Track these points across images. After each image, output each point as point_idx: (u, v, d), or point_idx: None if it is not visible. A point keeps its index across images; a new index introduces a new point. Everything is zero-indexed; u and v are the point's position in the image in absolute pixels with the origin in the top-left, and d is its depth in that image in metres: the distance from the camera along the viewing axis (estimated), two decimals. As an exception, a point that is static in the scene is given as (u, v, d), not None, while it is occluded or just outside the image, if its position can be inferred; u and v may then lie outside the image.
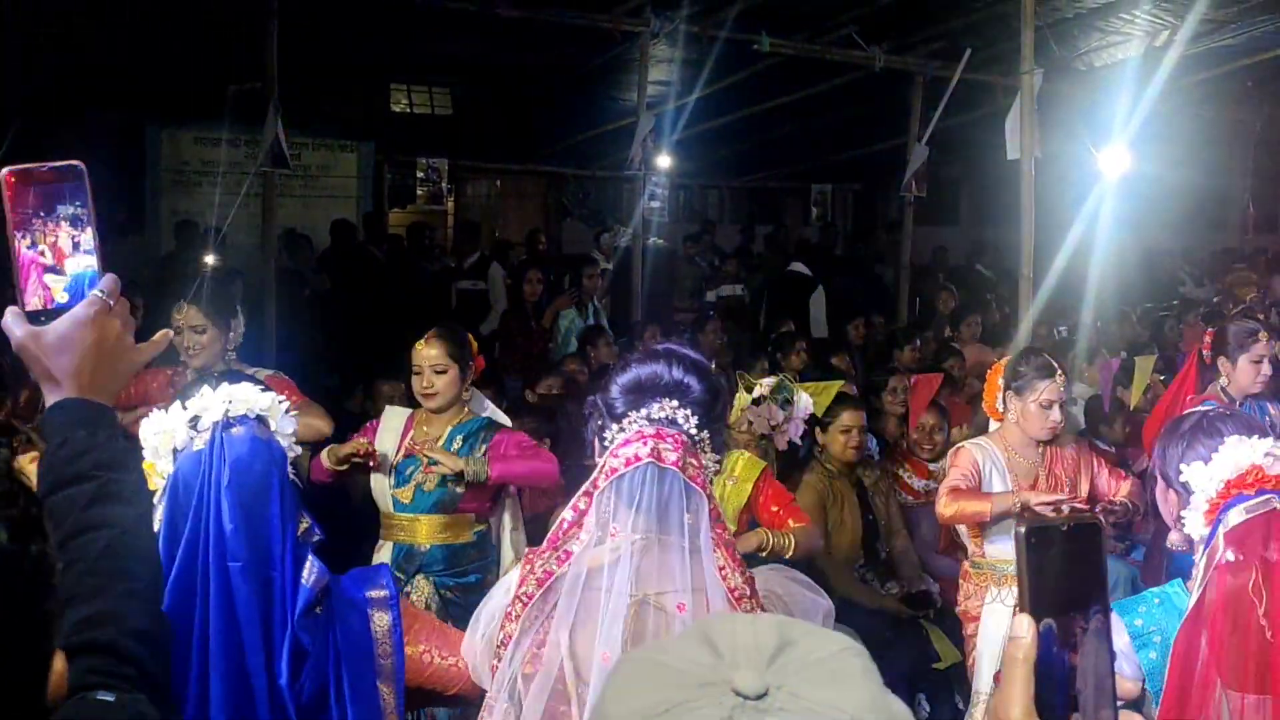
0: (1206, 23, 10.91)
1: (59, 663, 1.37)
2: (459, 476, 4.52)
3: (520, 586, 2.30)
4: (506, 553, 4.82)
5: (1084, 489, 4.81)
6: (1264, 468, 2.52)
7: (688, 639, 1.08)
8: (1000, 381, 4.83)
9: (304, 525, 2.46)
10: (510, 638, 2.28)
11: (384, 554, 4.65)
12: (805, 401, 5.28)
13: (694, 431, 2.31)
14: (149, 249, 11.69)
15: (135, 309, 7.60)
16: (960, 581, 4.97)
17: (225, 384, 2.52)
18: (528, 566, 2.33)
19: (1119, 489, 4.85)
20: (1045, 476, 4.75)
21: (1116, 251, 10.34)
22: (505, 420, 4.92)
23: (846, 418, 5.77)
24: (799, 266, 12.50)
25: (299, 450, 2.48)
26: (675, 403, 2.30)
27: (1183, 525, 2.60)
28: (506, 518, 4.86)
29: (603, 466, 2.27)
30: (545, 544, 2.32)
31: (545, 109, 13.74)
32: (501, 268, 10.52)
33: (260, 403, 2.48)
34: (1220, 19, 11.04)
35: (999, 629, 4.60)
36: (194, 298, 4.77)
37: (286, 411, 2.55)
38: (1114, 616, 2.31)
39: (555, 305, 10.04)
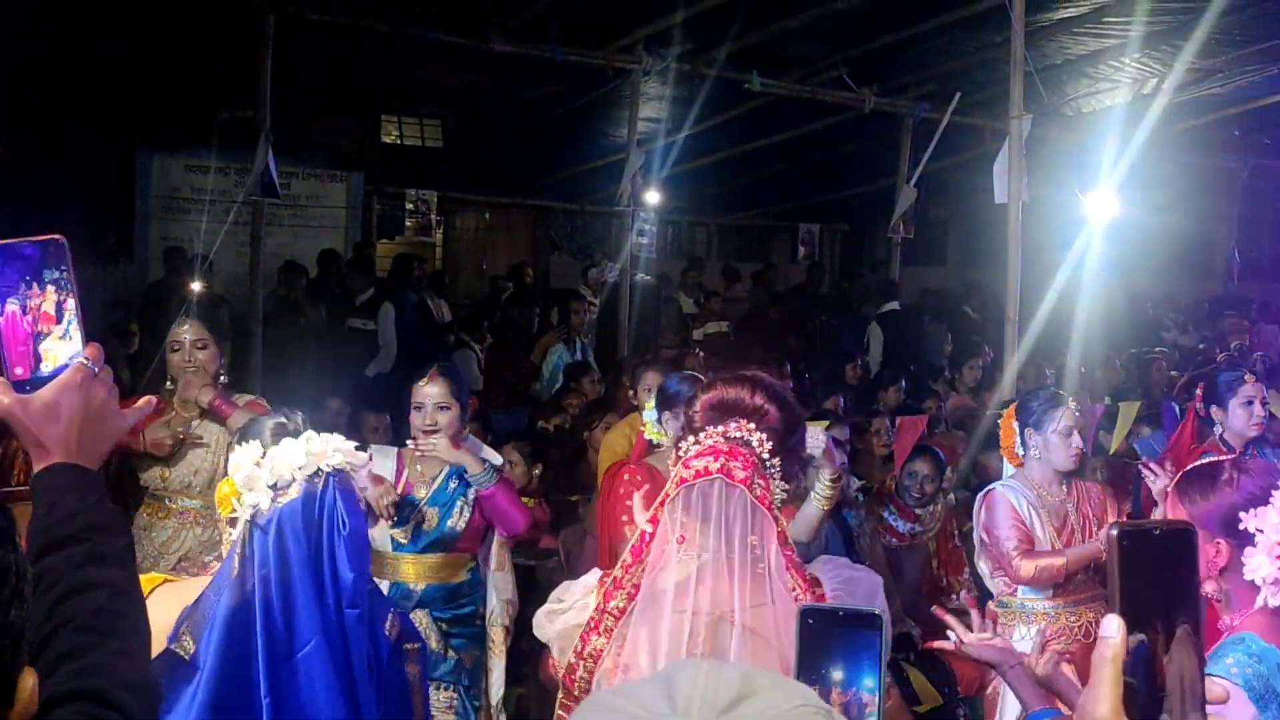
0: (1194, 71, 11.01)
1: (29, 679, 1.36)
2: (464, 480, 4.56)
3: (609, 600, 2.36)
4: (490, 593, 4.81)
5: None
6: None
7: (653, 683, 1.08)
8: (1014, 424, 4.86)
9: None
10: (600, 652, 2.35)
11: None
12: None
13: (765, 455, 2.37)
14: (138, 275, 11.66)
15: (130, 335, 7.58)
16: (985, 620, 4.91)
17: (314, 434, 2.56)
18: (612, 580, 2.39)
19: None
20: (1075, 514, 4.76)
21: (1102, 296, 10.37)
22: (498, 460, 4.92)
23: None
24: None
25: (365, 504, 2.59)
26: (752, 425, 2.38)
27: (1229, 572, 2.58)
28: (493, 552, 4.83)
29: (675, 476, 2.35)
30: (630, 556, 2.37)
31: (536, 143, 13.76)
32: (393, 307, 10.10)
33: (349, 457, 2.54)
34: (1207, 68, 11.15)
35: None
36: (199, 314, 4.76)
37: (363, 466, 2.63)
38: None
39: (543, 341, 10.03)
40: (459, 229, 15.08)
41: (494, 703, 4.78)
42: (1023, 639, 4.67)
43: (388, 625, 2.51)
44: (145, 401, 1.79)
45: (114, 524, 1.63)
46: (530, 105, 12.50)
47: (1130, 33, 10.11)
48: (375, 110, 14.02)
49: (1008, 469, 5.03)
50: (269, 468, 2.49)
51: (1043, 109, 10.70)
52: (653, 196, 11.55)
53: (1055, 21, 10.06)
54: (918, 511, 6.41)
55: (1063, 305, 8.76)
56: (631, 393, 6.72)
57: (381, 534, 4.60)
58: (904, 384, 8.93)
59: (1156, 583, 1.23)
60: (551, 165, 14.20)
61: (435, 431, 4.59)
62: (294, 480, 2.48)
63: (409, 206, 13.75)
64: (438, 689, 4.51)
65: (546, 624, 2.56)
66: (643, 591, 2.32)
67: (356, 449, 2.61)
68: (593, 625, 2.37)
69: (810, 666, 1.30)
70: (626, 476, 4.62)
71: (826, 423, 6.22)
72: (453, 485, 4.63)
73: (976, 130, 11.66)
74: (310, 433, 2.58)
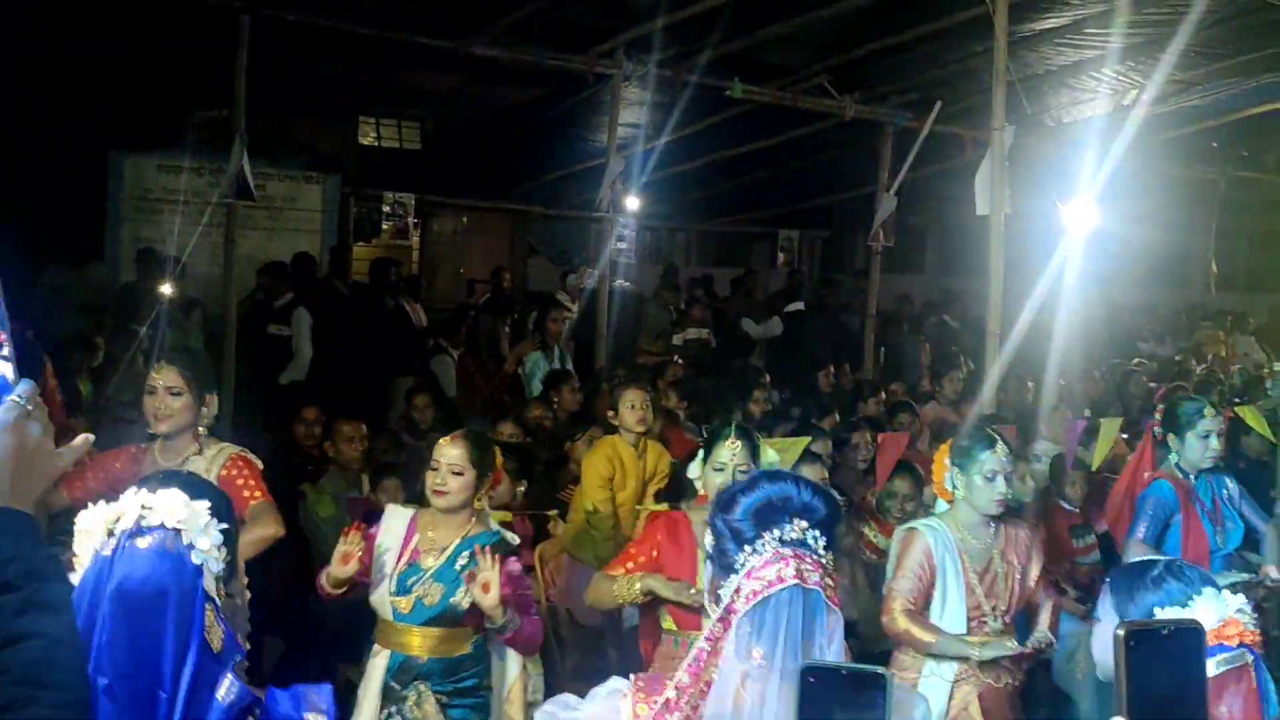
0: (1174, 83, 11.03)
1: None
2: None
3: None
4: (512, 661, 4.70)
5: (1034, 575, 4.73)
6: (1240, 622, 2.59)
7: None
8: (946, 461, 4.77)
9: (215, 639, 2.33)
10: None
11: (380, 661, 4.48)
12: (771, 459, 5.19)
13: (822, 553, 2.28)
14: (110, 277, 11.53)
15: (94, 347, 7.41)
16: (895, 653, 4.82)
17: (148, 489, 2.41)
18: (663, 702, 2.28)
19: (1040, 606, 4.79)
20: (999, 560, 4.66)
21: (1081, 307, 10.36)
22: (514, 539, 4.79)
23: (805, 473, 5.69)
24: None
25: (219, 567, 2.36)
26: (805, 524, 2.28)
27: None
28: None
29: (738, 590, 2.24)
30: (687, 676, 2.27)
31: (515, 147, 13.69)
32: (309, 314, 9.91)
33: (178, 515, 2.37)
34: (1187, 80, 11.17)
35: (935, 704, 4.52)
36: (175, 359, 4.58)
37: (208, 525, 2.43)
38: None
39: (518, 350, 9.96)
40: (437, 232, 14.97)
41: None
42: (931, 674, 4.62)
43: (221, 690, 2.33)
44: (82, 440, 1.72)
45: (51, 570, 1.56)
46: (510, 109, 12.44)
47: (1110, 44, 10.12)
48: (353, 112, 13.92)
49: (940, 505, 4.95)
50: (95, 525, 2.36)
51: (1024, 119, 10.69)
52: (632, 202, 11.51)
53: (1037, 32, 10.05)
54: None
55: (1042, 316, 8.74)
56: (611, 412, 6.65)
57: (381, 601, 4.47)
58: (883, 396, 8.90)
59: (1166, 679, 1.19)
60: (531, 169, 14.13)
61: (444, 494, 4.49)
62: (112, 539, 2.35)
63: (386, 209, 13.64)
64: None
65: None
66: (709, 714, 2.21)
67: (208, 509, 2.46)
68: None
69: (1144, 696, 1.24)
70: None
71: (806, 439, 6.19)
72: (462, 561, 4.46)
73: (957, 139, 11.66)
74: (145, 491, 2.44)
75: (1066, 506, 6.92)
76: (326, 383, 9.09)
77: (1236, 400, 9.08)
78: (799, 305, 13.24)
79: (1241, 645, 2.55)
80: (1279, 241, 17.87)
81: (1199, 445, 5.31)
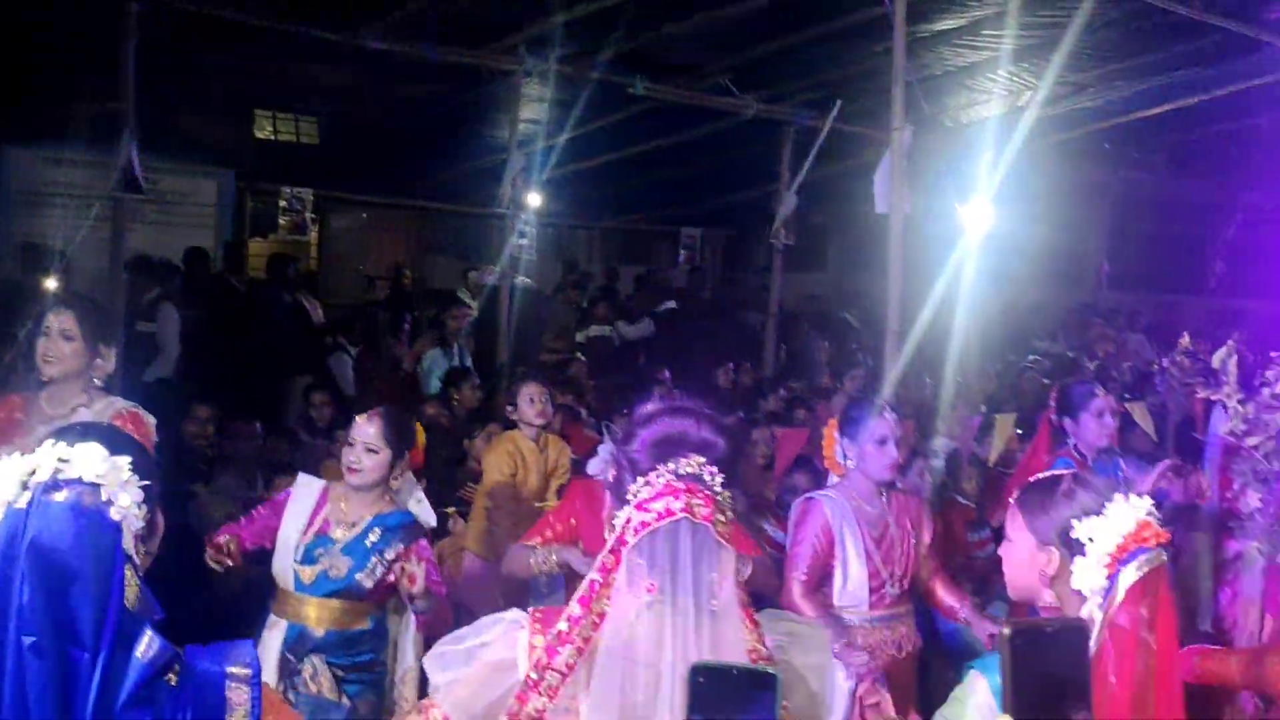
0: (1066, 85, 11.22)
1: None
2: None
3: (553, 656, 2.23)
4: (409, 643, 4.65)
5: (925, 542, 4.87)
6: (1153, 522, 2.61)
7: None
8: (836, 434, 4.86)
9: (133, 597, 2.26)
10: (543, 713, 2.23)
11: (276, 632, 4.43)
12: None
13: (718, 489, 2.28)
14: (-8, 272, 11.22)
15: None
16: None
17: (66, 442, 2.32)
18: (544, 638, 2.27)
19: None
20: (894, 526, 4.76)
21: (978, 306, 10.50)
22: (430, 518, 4.79)
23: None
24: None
25: (138, 525, 2.28)
26: (703, 460, 2.28)
27: (1057, 583, 2.65)
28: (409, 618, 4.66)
29: (629, 521, 2.23)
30: (578, 607, 2.26)
31: (415, 142, 13.54)
32: (175, 310, 9.69)
33: (96, 469, 2.29)
34: (1079, 82, 11.37)
35: (842, 680, 4.58)
36: (74, 304, 4.43)
37: (128, 481, 2.35)
38: (975, 674, 2.48)
39: (417, 347, 9.85)
40: (336, 229, 14.79)
41: None
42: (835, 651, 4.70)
43: (141, 648, 2.27)
44: None
45: None
46: (409, 104, 12.29)
47: (1004, 46, 10.25)
48: (248, 105, 13.66)
49: (832, 478, 5.02)
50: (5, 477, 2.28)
51: (922, 120, 10.80)
52: (534, 199, 11.44)
53: (935, 33, 10.16)
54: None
55: (941, 314, 8.84)
56: (511, 407, 6.63)
57: (284, 570, 4.42)
58: (783, 392, 8.94)
59: (1050, 676, 1.20)
60: (431, 166, 13.98)
61: (357, 472, 4.46)
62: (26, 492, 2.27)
63: (283, 204, 13.38)
64: None
65: (438, 669, 2.42)
66: (603, 646, 2.20)
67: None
68: (532, 684, 2.23)
69: (1029, 692, 1.24)
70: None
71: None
72: (373, 537, 4.44)
73: (858, 138, 11.75)
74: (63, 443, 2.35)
75: (962, 501, 7.00)
76: (220, 380, 8.90)
77: (1128, 396, 9.24)
78: (671, 304, 13.28)
79: (1159, 545, 2.57)
80: (1169, 241, 18.30)
81: (1094, 424, 5.38)
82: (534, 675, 2.24)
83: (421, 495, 4.85)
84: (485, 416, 7.75)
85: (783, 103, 11.74)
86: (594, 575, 2.26)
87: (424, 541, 4.54)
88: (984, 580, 6.52)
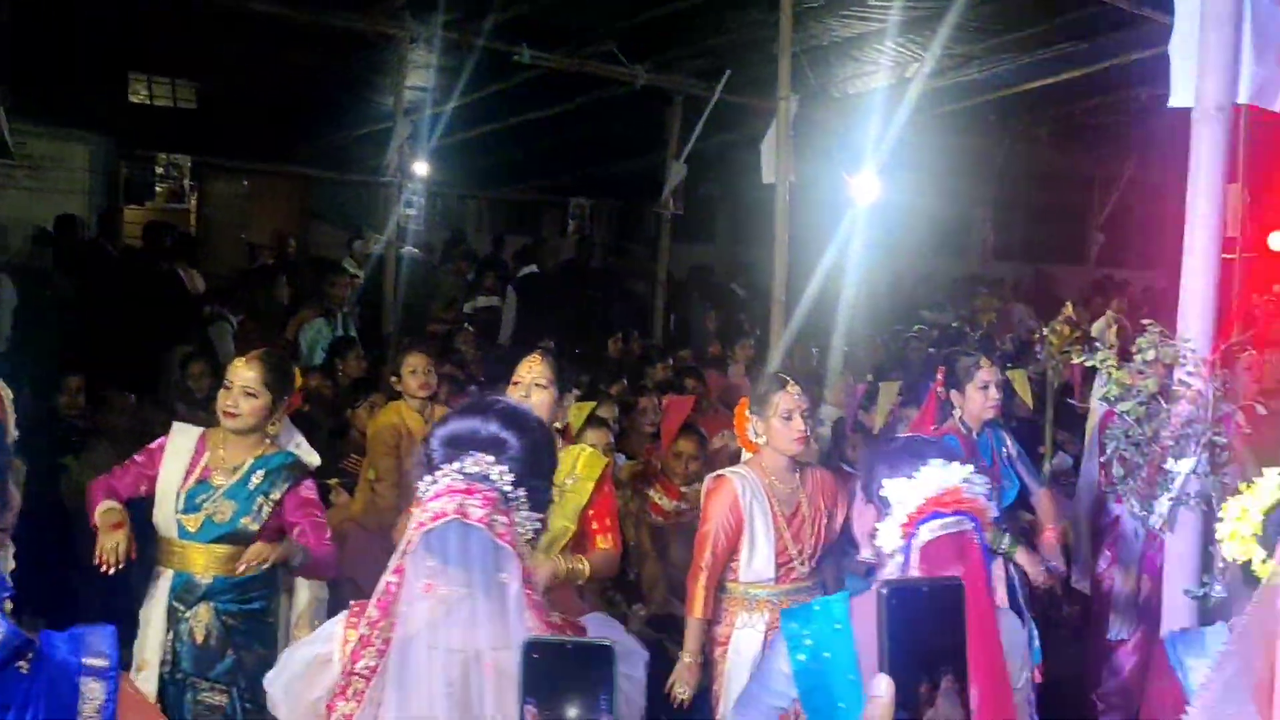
0: (953, 57, 11.32)
1: None
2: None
3: (357, 660, 2.21)
4: (302, 587, 4.60)
5: (840, 520, 4.83)
6: (961, 490, 2.65)
7: None
8: (747, 412, 4.84)
9: None
10: (349, 717, 2.20)
11: (163, 582, 4.36)
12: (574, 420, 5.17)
13: (507, 488, 2.24)
14: None
15: None
16: (718, 609, 4.93)
17: None
18: (357, 634, 2.24)
19: None
20: (806, 504, 4.75)
21: (865, 275, 10.59)
22: (314, 459, 4.72)
23: (590, 436, 5.68)
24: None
25: None
26: (491, 458, 2.25)
27: (875, 539, 2.72)
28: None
29: (414, 520, 2.22)
30: (376, 610, 2.22)
31: (298, 108, 13.26)
32: (10, 280, 9.36)
33: None
34: (965, 54, 11.47)
35: (749, 651, 4.65)
36: None
37: None
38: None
39: (300, 315, 9.66)
40: (215, 196, 14.44)
41: None
42: (745, 625, 4.72)
43: None
44: None
45: None
46: (291, 69, 12.02)
47: (891, 17, 10.30)
48: (123, 69, 13.24)
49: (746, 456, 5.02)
50: None
51: (809, 90, 10.84)
52: (420, 167, 11.30)
53: (822, 4, 10.16)
54: (683, 490, 6.40)
55: (828, 284, 8.89)
56: (395, 378, 6.54)
57: (166, 520, 4.35)
58: (670, 362, 8.94)
59: (924, 638, 1.19)
60: (314, 132, 13.71)
61: (234, 415, 4.39)
62: None
63: (160, 171, 13.05)
64: (210, 691, 4.29)
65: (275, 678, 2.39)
66: (394, 646, 2.18)
67: None
68: (340, 690, 2.21)
69: (541, 702, 1.22)
70: None
71: (593, 404, 6.16)
72: (256, 480, 4.38)
73: (745, 109, 11.75)
74: None
75: (847, 469, 7.04)
76: (93, 350, 8.64)
77: (1010, 365, 9.38)
78: (532, 268, 13.19)
79: (958, 513, 2.62)
80: (1052, 212, 18.66)
81: (979, 396, 5.44)
82: (341, 681, 2.22)
83: (301, 439, 4.79)
84: (370, 387, 7.62)
85: (671, 72, 11.69)
86: (389, 577, 2.23)
87: (309, 482, 4.50)
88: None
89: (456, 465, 2.24)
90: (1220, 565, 3.97)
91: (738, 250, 16.47)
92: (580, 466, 4.49)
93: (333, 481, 6.58)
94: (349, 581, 6.34)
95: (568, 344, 10.04)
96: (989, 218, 17.24)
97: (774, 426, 4.67)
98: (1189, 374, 3.92)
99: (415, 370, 6.37)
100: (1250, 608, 2.75)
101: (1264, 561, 2.90)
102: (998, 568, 5.23)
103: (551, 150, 14.82)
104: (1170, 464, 3.95)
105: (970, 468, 2.74)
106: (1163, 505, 3.98)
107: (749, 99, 11.46)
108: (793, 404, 4.63)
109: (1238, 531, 2.88)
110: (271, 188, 15.06)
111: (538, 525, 2.33)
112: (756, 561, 4.70)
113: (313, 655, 2.33)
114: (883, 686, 1.18)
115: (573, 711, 1.22)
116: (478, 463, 2.25)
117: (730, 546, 4.67)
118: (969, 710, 1.21)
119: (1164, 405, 3.96)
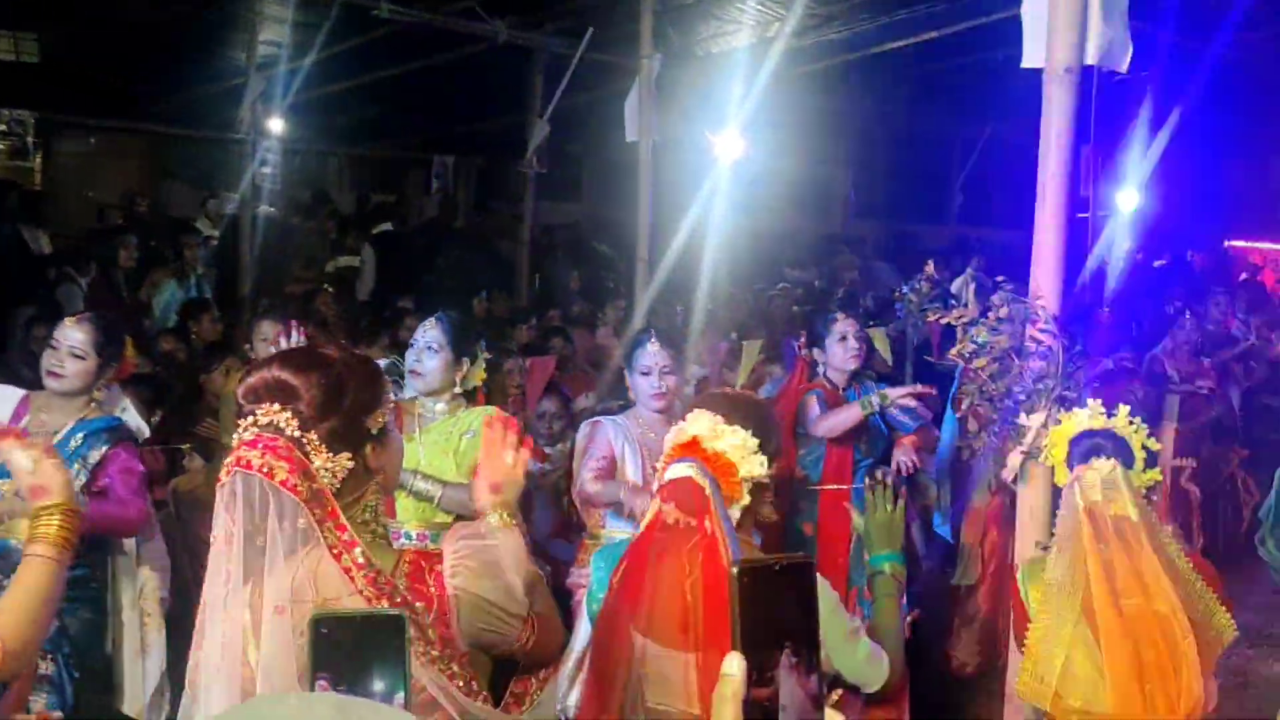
0: (814, 17, 11.37)
1: None
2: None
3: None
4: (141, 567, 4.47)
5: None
6: (702, 439, 2.71)
7: None
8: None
9: None
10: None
11: None
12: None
13: (296, 434, 2.25)
14: None
15: None
16: (578, 554, 5.09)
17: None
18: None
19: None
20: None
21: (728, 234, 10.64)
22: (140, 427, 4.61)
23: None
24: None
25: None
26: (277, 406, 2.26)
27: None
28: None
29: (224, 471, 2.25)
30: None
31: (147, 63, 12.82)
32: None
33: None
34: (825, 14, 11.54)
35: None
36: None
37: None
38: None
39: (151, 277, 9.40)
40: (61, 154, 13.92)
41: (147, 692, 4.45)
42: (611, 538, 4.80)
43: None
44: None
45: None
46: (139, 21, 11.60)
47: (753, -25, 10.31)
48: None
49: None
50: None
51: (672, 49, 10.81)
52: (276, 124, 11.04)
53: (684, -38, 10.13)
54: (547, 450, 6.37)
55: (693, 243, 8.91)
56: (248, 345, 6.39)
57: None
58: (534, 322, 8.88)
59: (778, 612, 1.20)
60: (165, 88, 13.26)
61: (58, 376, 4.28)
62: None
63: (2, 128, 12.53)
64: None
65: None
66: (201, 606, 2.22)
67: None
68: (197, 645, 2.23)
69: (335, 676, 1.20)
70: None
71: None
72: (75, 442, 4.25)
73: (609, 67, 11.67)
74: None
75: (712, 426, 7.07)
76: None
77: (870, 322, 9.52)
78: (388, 226, 13.02)
79: (688, 459, 2.67)
80: (910, 172, 18.94)
81: (839, 349, 5.54)
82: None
83: (128, 404, 4.68)
84: (226, 350, 7.44)
85: (533, 29, 11.55)
86: (216, 530, 2.25)
87: (128, 445, 4.39)
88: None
89: (250, 419, 2.26)
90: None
91: (603, 209, 16.41)
92: (478, 423, 4.50)
93: (186, 447, 6.44)
94: (200, 545, 6.25)
95: (431, 304, 9.91)
96: (850, 177, 17.43)
97: (637, 382, 4.77)
98: (1040, 331, 4.00)
99: (267, 338, 6.23)
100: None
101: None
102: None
103: (414, 107, 14.58)
104: (1022, 418, 4.04)
105: (709, 417, 2.77)
106: (1014, 459, 4.08)
107: (612, 57, 11.38)
108: (651, 361, 4.71)
109: (1055, 456, 3.34)
110: (121, 145, 14.56)
111: (349, 463, 2.31)
112: (617, 511, 4.78)
113: None
114: (734, 664, 1.18)
115: (371, 684, 1.20)
116: (266, 413, 2.26)
117: (610, 469, 4.73)
118: (821, 677, 1.22)
119: (1016, 361, 4.04)
